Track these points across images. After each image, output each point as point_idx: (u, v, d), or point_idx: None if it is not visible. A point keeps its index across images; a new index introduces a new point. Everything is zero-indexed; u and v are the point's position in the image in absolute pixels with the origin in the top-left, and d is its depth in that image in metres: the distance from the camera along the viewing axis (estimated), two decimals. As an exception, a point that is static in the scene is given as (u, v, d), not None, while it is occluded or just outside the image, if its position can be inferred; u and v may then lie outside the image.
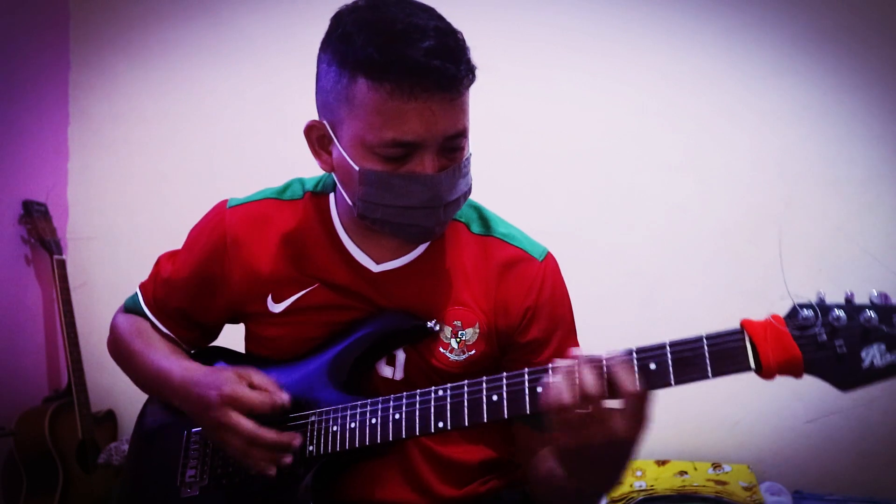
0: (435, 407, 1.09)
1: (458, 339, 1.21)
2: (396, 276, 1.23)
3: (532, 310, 1.22)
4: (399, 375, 1.23)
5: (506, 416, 1.04)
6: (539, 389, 1.01)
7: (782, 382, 0.92)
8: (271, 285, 1.25)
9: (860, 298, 0.88)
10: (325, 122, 1.14)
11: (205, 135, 2.76)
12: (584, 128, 2.52)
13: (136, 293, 1.38)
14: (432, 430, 1.08)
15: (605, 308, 2.37)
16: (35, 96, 2.72)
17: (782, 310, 0.91)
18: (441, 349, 1.21)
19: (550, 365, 1.02)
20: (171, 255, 1.36)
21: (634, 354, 0.96)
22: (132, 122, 2.82)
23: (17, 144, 2.65)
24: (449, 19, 1.10)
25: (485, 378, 1.06)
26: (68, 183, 2.87)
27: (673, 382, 0.94)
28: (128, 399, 2.63)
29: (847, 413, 2.31)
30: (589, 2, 2.51)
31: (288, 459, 1.12)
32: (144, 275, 1.39)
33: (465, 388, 1.07)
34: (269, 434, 1.12)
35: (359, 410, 1.14)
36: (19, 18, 2.65)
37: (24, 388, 2.67)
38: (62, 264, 2.63)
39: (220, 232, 1.27)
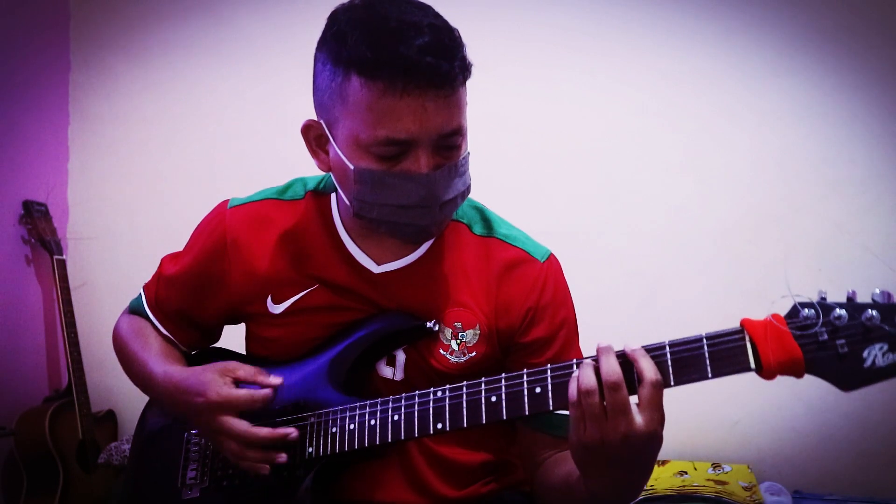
0: (434, 408, 1.08)
1: (459, 341, 1.20)
2: (397, 276, 1.22)
3: (534, 311, 1.22)
4: (399, 376, 1.22)
5: (504, 418, 1.04)
6: (538, 390, 1.01)
7: (782, 382, 0.91)
8: (271, 286, 1.24)
9: (861, 297, 0.88)
10: (321, 121, 1.14)
11: (205, 135, 2.76)
12: (584, 128, 2.52)
13: (140, 294, 1.38)
14: (431, 432, 1.08)
15: (606, 308, 2.37)
16: (35, 96, 2.72)
17: (783, 309, 0.90)
18: (441, 350, 1.20)
19: (549, 366, 1.02)
20: (173, 256, 1.35)
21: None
22: (132, 122, 2.82)
23: (17, 144, 2.65)
24: (449, 19, 1.10)
25: (483, 379, 1.06)
26: (68, 183, 2.88)
27: (672, 383, 0.93)
28: (128, 399, 2.63)
29: (847, 413, 2.31)
30: (589, 2, 2.51)
31: (282, 458, 1.12)
32: (144, 275, 1.39)
33: (464, 390, 1.07)
34: (262, 432, 1.11)
35: (358, 412, 1.14)
36: (19, 18, 2.65)
37: (25, 388, 2.67)
38: (62, 264, 2.63)
39: (221, 232, 1.26)
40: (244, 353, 1.35)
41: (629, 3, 2.48)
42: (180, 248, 1.35)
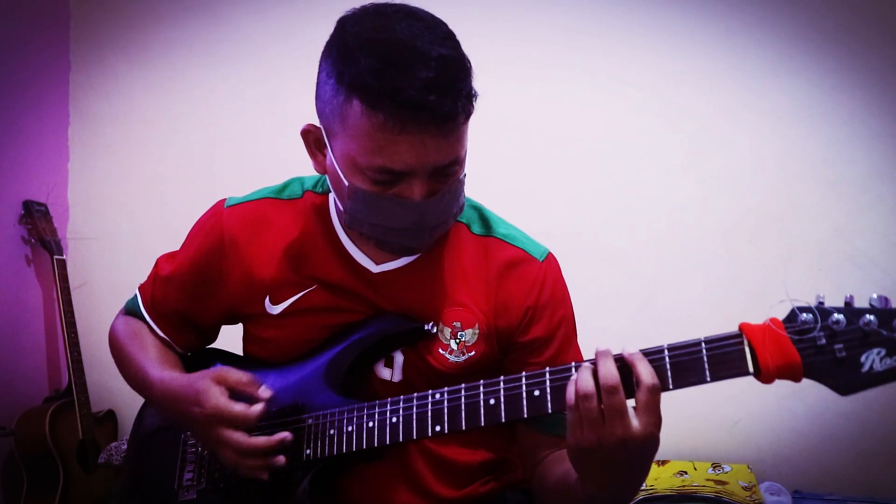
0: (432, 411, 1.08)
1: (458, 340, 1.20)
2: (396, 276, 1.22)
3: (532, 310, 1.22)
4: (398, 377, 1.22)
5: (503, 420, 1.04)
6: (536, 393, 1.01)
7: (782, 383, 0.92)
8: (269, 287, 1.24)
9: (860, 301, 0.88)
10: (321, 126, 1.13)
11: (205, 135, 2.76)
12: (585, 128, 2.51)
13: (136, 295, 1.37)
14: (429, 434, 1.08)
15: (606, 308, 2.37)
16: (35, 96, 2.72)
17: (781, 313, 0.90)
18: (440, 350, 1.20)
19: (548, 369, 1.02)
20: (169, 256, 1.35)
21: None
22: (132, 122, 2.82)
23: (17, 144, 2.65)
24: (449, 20, 1.08)
25: (482, 382, 1.06)
26: (69, 183, 2.88)
27: (671, 386, 0.93)
28: (128, 399, 2.60)
29: (847, 413, 2.31)
30: (589, 2, 2.50)
31: (281, 461, 1.11)
32: (144, 275, 1.39)
33: (463, 392, 1.07)
34: (259, 441, 1.11)
35: (356, 414, 1.14)
36: (19, 18, 2.65)
37: (25, 388, 2.67)
38: (62, 264, 2.63)
39: (218, 232, 1.26)
40: (240, 353, 1.35)
41: (629, 4, 2.47)
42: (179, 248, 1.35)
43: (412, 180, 1.07)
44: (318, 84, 1.12)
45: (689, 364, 0.93)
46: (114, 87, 2.84)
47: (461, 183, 1.14)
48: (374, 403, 1.13)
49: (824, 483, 2.32)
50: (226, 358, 1.33)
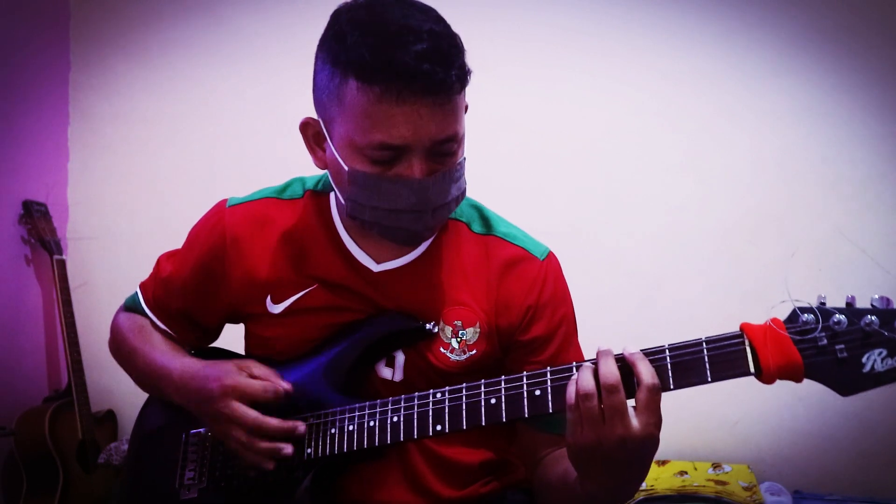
0: (433, 410, 1.09)
1: (459, 339, 1.20)
2: (397, 275, 1.22)
3: (533, 308, 1.22)
4: (399, 377, 1.22)
5: (504, 420, 1.04)
6: (537, 393, 1.01)
7: (782, 383, 0.92)
8: (270, 286, 1.24)
9: (861, 301, 0.88)
10: (319, 119, 1.14)
11: (205, 135, 2.76)
12: (585, 128, 2.51)
13: (136, 292, 1.37)
14: (430, 434, 1.08)
15: (606, 308, 2.37)
16: (35, 96, 2.72)
17: (782, 313, 0.90)
18: (441, 349, 1.20)
19: (549, 368, 1.02)
20: (170, 255, 1.35)
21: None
22: (132, 122, 2.82)
23: (17, 144, 2.65)
24: (449, 20, 1.10)
25: (483, 381, 1.06)
26: (68, 183, 2.87)
27: (672, 386, 0.94)
28: (128, 399, 2.63)
29: (847, 413, 2.31)
30: (589, 2, 2.50)
31: (288, 449, 1.12)
32: (144, 275, 1.39)
33: (464, 392, 1.07)
34: (273, 422, 1.12)
35: (357, 413, 1.14)
36: (19, 18, 2.64)
37: (24, 388, 2.67)
38: (62, 264, 2.63)
39: (220, 232, 1.26)
40: (242, 352, 1.35)
41: (629, 3, 2.47)
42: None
43: (411, 158, 1.07)
44: (314, 76, 1.14)
45: (690, 364, 0.93)
46: (114, 87, 2.83)
47: (461, 167, 1.14)
48: (376, 403, 1.13)
49: (824, 483, 2.33)
50: (228, 357, 1.33)
